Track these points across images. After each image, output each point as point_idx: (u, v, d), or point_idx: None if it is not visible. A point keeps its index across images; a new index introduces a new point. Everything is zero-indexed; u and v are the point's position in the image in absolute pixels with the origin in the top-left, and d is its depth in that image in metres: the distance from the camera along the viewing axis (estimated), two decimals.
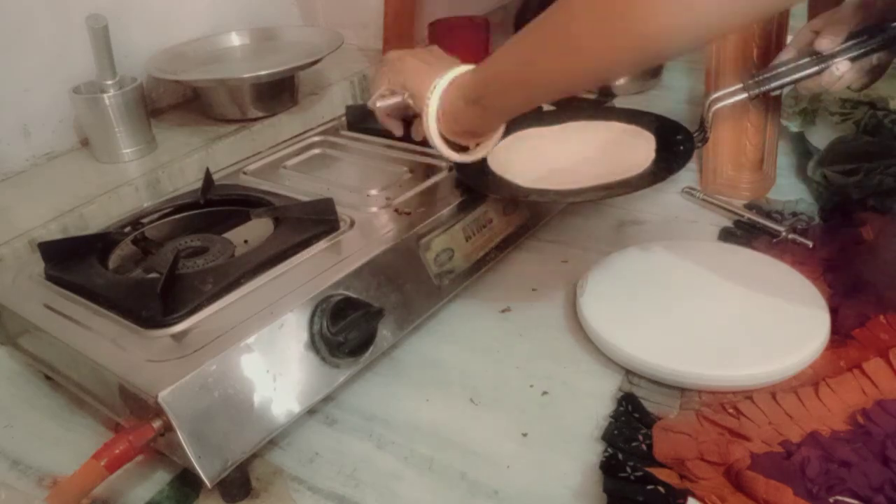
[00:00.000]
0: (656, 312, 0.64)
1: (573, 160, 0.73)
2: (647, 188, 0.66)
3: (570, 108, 0.84)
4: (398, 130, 0.75)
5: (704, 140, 0.74)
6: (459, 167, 0.71)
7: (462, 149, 0.69)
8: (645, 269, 0.70)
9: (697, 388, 0.57)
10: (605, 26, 0.51)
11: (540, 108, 0.80)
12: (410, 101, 0.68)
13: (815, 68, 0.67)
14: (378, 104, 0.72)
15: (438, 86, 0.64)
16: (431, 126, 0.65)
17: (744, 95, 0.72)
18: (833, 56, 0.66)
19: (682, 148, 0.71)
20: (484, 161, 0.72)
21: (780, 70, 0.70)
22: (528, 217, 0.75)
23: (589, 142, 0.75)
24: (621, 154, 0.72)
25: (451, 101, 0.64)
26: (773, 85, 0.70)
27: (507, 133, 0.74)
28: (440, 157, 0.72)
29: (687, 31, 0.49)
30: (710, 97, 0.74)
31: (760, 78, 0.71)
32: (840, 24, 0.66)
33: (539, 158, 0.73)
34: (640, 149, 0.71)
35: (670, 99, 1.15)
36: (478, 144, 0.70)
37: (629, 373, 0.60)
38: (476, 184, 0.70)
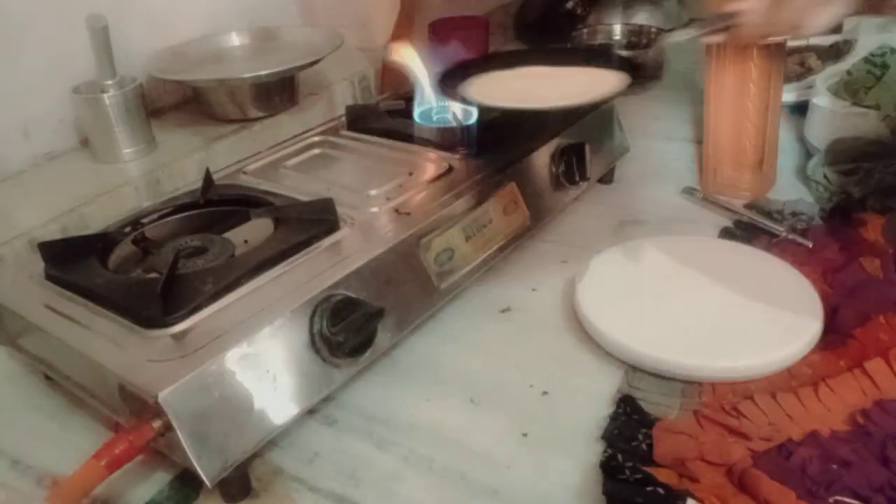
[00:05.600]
0: (653, 305, 0.65)
1: (547, 92, 0.78)
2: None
3: (536, 52, 0.90)
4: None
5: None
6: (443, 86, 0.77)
7: None
8: (643, 263, 0.71)
9: (694, 380, 0.58)
10: None
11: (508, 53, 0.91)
12: None
13: None
14: None
15: None
16: None
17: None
18: None
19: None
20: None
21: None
22: (529, 217, 0.75)
23: (560, 78, 0.80)
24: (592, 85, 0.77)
25: None
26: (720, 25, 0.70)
27: (474, 74, 0.80)
28: (439, 157, 0.73)
29: None
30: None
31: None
32: None
33: (516, 92, 0.78)
34: (608, 83, 0.77)
35: (671, 99, 1.15)
36: None
37: (628, 372, 0.60)
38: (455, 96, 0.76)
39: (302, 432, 0.57)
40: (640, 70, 0.81)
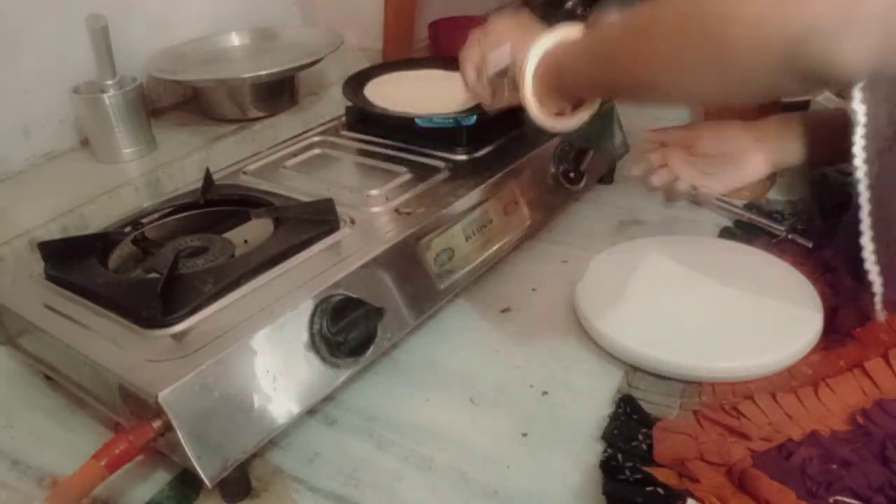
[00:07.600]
0: (653, 305, 0.65)
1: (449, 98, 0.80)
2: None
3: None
4: (502, 101, 0.69)
5: None
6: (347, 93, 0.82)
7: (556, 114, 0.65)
8: (643, 263, 0.71)
9: (694, 380, 0.58)
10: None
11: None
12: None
13: None
14: (490, 68, 0.67)
15: (542, 41, 0.61)
16: (527, 81, 0.60)
17: None
18: None
19: None
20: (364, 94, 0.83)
21: None
22: (529, 217, 0.75)
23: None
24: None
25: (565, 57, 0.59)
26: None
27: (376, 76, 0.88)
28: (439, 157, 0.73)
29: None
30: None
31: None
32: None
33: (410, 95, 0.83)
34: None
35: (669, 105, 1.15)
36: (574, 109, 0.66)
37: (628, 372, 0.60)
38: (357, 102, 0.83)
39: (302, 432, 0.57)
40: None
